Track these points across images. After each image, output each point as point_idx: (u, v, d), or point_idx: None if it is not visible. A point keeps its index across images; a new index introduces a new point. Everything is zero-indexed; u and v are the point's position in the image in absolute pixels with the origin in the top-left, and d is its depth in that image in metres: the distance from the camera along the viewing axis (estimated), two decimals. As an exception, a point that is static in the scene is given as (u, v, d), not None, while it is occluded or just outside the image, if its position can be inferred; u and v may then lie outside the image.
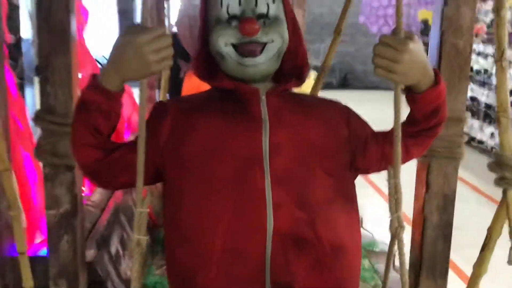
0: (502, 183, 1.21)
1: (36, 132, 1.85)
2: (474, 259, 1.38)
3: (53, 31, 1.44)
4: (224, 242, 1.04)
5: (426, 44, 1.32)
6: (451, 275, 1.69)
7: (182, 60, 2.86)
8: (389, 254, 1.10)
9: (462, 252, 2.56)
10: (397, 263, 2.12)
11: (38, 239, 2.06)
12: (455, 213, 1.56)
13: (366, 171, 1.24)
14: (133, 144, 1.09)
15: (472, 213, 4.07)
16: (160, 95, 2.65)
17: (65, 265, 1.53)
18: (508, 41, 1.18)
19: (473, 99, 6.58)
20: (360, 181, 1.24)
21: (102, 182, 1.19)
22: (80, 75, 1.56)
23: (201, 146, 1.09)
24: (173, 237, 1.12)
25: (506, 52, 1.06)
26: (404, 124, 1.12)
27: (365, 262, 2.60)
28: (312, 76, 1.89)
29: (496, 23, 1.09)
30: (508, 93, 1.23)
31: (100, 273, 1.83)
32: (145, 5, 1.03)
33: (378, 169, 1.24)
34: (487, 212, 4.86)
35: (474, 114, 6.45)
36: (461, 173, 1.60)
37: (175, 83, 3.24)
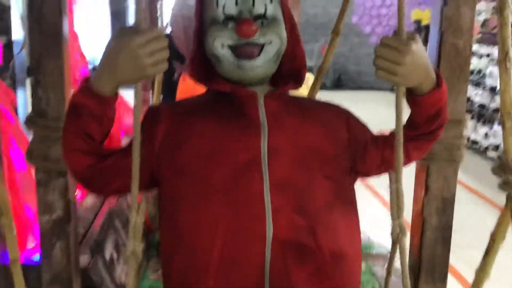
0: (506, 187, 1.19)
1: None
2: (470, 261, 1.37)
3: (45, 32, 1.40)
4: (222, 250, 1.01)
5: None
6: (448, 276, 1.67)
7: (176, 61, 2.82)
8: (390, 261, 1.07)
9: (458, 253, 2.56)
10: (395, 266, 2.09)
11: (30, 245, 2.02)
12: (451, 214, 1.54)
13: (366, 175, 1.22)
14: (126, 149, 1.06)
15: (468, 214, 4.07)
16: (154, 98, 2.62)
17: (59, 272, 1.49)
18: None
19: (466, 99, 6.58)
20: (356, 182, 1.21)
21: (94, 188, 1.15)
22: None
23: (197, 151, 1.06)
24: (169, 245, 1.09)
25: (510, 52, 1.04)
26: (405, 127, 1.10)
27: (362, 265, 2.58)
28: (310, 80, 1.86)
29: (500, 23, 1.06)
30: (512, 95, 1.21)
31: (94, 279, 1.80)
32: (140, 5, 0.99)
33: (378, 173, 1.22)
34: (483, 213, 4.86)
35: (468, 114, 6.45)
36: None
37: (169, 85, 3.21)
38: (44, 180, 1.43)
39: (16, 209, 1.93)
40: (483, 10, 6.94)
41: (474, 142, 6.36)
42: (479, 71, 6.51)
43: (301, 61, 1.18)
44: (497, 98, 6.02)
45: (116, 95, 1.03)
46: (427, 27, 9.77)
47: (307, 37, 9.98)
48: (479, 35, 6.58)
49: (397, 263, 1.96)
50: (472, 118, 6.48)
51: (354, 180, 1.19)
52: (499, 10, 1.06)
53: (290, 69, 1.17)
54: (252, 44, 1.07)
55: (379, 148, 1.19)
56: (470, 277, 2.96)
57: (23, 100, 4.20)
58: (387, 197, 4.37)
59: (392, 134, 1.21)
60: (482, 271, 1.17)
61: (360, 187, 1.21)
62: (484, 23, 7.16)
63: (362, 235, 1.15)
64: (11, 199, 1.87)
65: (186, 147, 1.07)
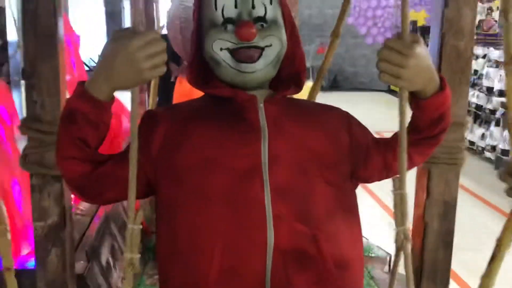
0: (513, 193, 1.16)
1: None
2: (469, 262, 1.35)
3: (40, 34, 1.37)
4: (221, 260, 0.98)
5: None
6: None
7: (173, 63, 2.80)
8: (394, 268, 1.05)
9: (457, 255, 2.54)
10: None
11: (25, 250, 1.99)
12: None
13: (367, 180, 1.20)
14: (122, 156, 1.03)
15: (464, 215, 4.05)
16: (150, 100, 2.59)
17: (54, 279, 1.46)
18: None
19: (463, 100, 6.58)
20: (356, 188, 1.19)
21: (89, 197, 1.11)
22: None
23: (196, 157, 1.03)
24: (167, 255, 1.06)
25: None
26: (407, 131, 1.08)
27: (361, 268, 2.56)
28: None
29: (505, 26, 1.04)
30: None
31: (90, 285, 1.77)
32: (137, 7, 0.97)
33: (380, 178, 1.20)
34: (480, 214, 4.83)
35: (464, 115, 6.45)
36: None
37: (166, 87, 3.18)
38: (39, 186, 1.40)
39: (11, 214, 1.90)
40: (478, 11, 6.94)
41: (471, 143, 6.35)
42: (475, 72, 6.51)
43: (300, 64, 1.16)
44: (494, 99, 6.03)
45: (112, 99, 1.00)
46: (422, 28, 9.79)
47: (302, 39, 9.95)
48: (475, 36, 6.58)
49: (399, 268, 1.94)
50: (468, 119, 6.48)
51: (355, 186, 1.17)
52: (504, 13, 1.04)
53: (289, 72, 1.15)
54: (252, 47, 1.05)
55: (380, 152, 1.17)
56: (468, 280, 2.94)
57: (19, 103, 4.16)
58: (383, 198, 4.36)
59: (394, 138, 1.18)
60: (488, 277, 1.14)
61: (359, 189, 1.19)
62: (479, 24, 7.16)
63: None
64: (6, 205, 1.84)
65: (183, 153, 1.04)
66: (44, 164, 1.35)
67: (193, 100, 1.18)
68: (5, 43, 4.26)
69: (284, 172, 1.03)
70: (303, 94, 1.29)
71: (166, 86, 3.23)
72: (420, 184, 1.51)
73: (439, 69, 1.41)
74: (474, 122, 6.46)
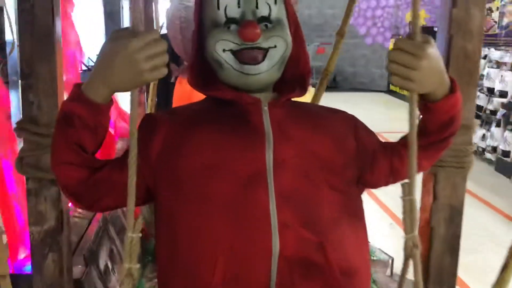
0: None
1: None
2: (469, 264, 1.32)
3: (36, 35, 1.34)
4: (224, 270, 0.94)
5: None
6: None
7: (172, 63, 2.76)
8: (402, 277, 1.01)
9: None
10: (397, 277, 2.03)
11: (22, 255, 1.95)
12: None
13: (374, 185, 1.16)
14: (120, 161, 0.99)
15: (465, 217, 4.02)
16: (149, 100, 2.55)
17: (51, 285, 1.42)
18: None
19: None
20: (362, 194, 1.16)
21: (85, 203, 1.06)
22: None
23: (198, 163, 0.99)
24: (167, 265, 1.02)
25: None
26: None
27: (363, 271, 2.53)
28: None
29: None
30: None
31: (88, 290, 1.73)
32: (136, 6, 0.92)
33: (386, 184, 1.17)
34: (480, 216, 4.79)
35: (465, 116, 6.43)
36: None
37: (165, 88, 3.14)
38: (35, 190, 1.36)
39: (8, 218, 1.86)
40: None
41: (471, 144, 6.32)
42: (476, 73, 6.47)
43: (305, 66, 1.13)
44: (494, 100, 6.00)
45: (110, 102, 0.96)
46: (422, 28, 9.75)
47: (302, 38, 9.95)
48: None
49: (400, 271, 1.90)
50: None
51: (361, 192, 1.14)
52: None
53: (293, 74, 1.11)
54: (256, 48, 1.01)
55: (387, 157, 1.14)
56: (467, 281, 2.91)
57: (16, 104, 4.11)
58: (382, 198, 4.31)
59: (401, 143, 1.15)
60: (499, 285, 1.11)
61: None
62: (480, 25, 7.12)
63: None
64: (3, 208, 1.80)
65: (184, 159, 1.00)
66: (41, 167, 1.32)
67: (193, 103, 1.15)
68: (4, 43, 4.22)
69: (289, 178, 0.99)
70: (305, 97, 1.25)
71: (165, 87, 3.19)
72: (426, 188, 1.48)
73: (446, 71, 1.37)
74: (475, 123, 6.42)
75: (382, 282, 2.51)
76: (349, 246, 1.02)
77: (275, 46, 1.03)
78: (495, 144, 5.86)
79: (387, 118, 8.53)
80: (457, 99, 1.03)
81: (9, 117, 2.22)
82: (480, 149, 6.16)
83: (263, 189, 0.97)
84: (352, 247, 1.02)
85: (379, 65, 12.04)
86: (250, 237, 0.95)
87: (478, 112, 6.44)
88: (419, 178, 1.47)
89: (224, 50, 1.02)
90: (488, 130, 6.10)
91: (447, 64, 1.36)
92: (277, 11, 1.05)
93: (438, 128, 1.06)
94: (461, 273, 2.86)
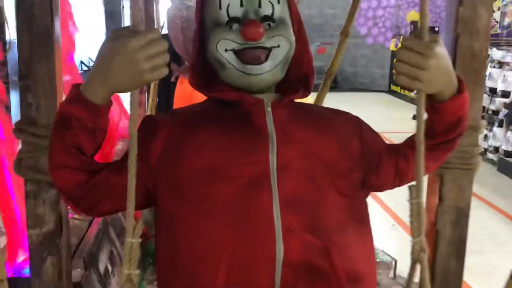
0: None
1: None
2: (471, 265, 1.30)
3: (35, 35, 1.31)
4: (227, 277, 0.92)
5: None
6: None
7: (173, 63, 2.74)
8: (409, 282, 0.99)
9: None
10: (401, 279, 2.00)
11: (21, 257, 1.93)
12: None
13: (379, 189, 1.14)
14: (119, 164, 0.96)
15: (467, 217, 4.00)
16: (149, 100, 2.53)
17: (49, 289, 1.40)
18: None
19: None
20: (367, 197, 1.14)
21: (84, 207, 1.03)
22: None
23: (198, 164, 0.96)
24: (167, 271, 0.99)
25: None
26: None
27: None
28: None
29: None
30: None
31: (87, 294, 1.71)
32: (136, 5, 0.90)
33: (392, 187, 1.14)
34: (483, 216, 4.76)
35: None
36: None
37: (166, 88, 3.12)
38: (33, 192, 1.34)
39: (8, 220, 1.84)
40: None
41: (473, 144, 6.29)
42: (478, 73, 6.45)
43: (308, 66, 1.10)
44: (497, 100, 5.97)
45: (109, 103, 0.93)
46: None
47: (303, 38, 9.94)
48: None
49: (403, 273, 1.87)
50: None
51: (366, 195, 1.11)
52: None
53: (297, 74, 1.09)
54: (259, 47, 0.99)
55: (392, 159, 1.11)
56: (470, 282, 2.88)
57: (16, 104, 4.09)
58: (383, 199, 4.28)
59: (406, 144, 1.13)
60: (509, 289, 1.09)
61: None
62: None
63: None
64: (3, 209, 1.78)
65: (185, 162, 0.97)
66: (39, 169, 1.29)
67: (195, 104, 1.12)
68: (4, 43, 4.20)
69: (293, 180, 0.97)
70: (307, 98, 1.23)
71: (166, 87, 3.17)
72: (432, 190, 1.45)
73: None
74: (476, 123, 6.40)
75: (385, 284, 2.47)
76: (355, 251, 0.99)
77: (278, 46, 1.01)
78: (497, 145, 5.83)
79: (388, 118, 8.51)
80: (465, 100, 1.00)
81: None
82: (482, 150, 6.14)
83: (267, 192, 0.94)
84: (358, 252, 1.00)
85: (380, 65, 12.02)
86: (253, 241, 0.93)
87: (480, 112, 6.42)
88: (424, 180, 1.45)
89: (226, 50, 1.00)
90: (491, 130, 6.07)
91: (453, 63, 1.33)
92: (280, 10, 1.03)
93: (445, 129, 1.04)
94: (464, 274, 2.84)
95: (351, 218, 1.00)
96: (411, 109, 8.70)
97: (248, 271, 0.92)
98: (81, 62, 6.86)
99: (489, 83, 6.20)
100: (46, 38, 1.31)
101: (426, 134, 1.04)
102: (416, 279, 0.98)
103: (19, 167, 1.33)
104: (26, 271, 1.82)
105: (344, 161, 1.02)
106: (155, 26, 2.63)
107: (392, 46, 11.11)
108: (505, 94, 5.86)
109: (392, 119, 8.41)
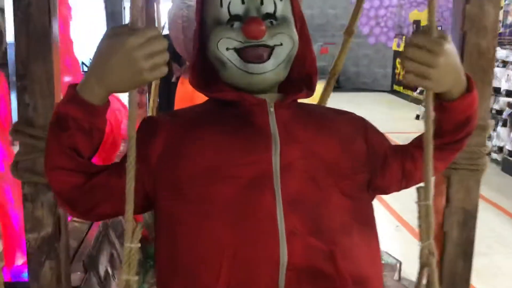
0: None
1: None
2: (477, 266, 1.28)
3: (32, 34, 1.29)
4: (229, 277, 0.89)
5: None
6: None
7: (174, 63, 2.72)
8: (419, 286, 0.96)
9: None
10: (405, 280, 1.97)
11: (19, 261, 1.90)
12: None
13: (385, 191, 1.11)
14: (118, 166, 0.93)
15: (472, 218, 3.97)
16: (150, 101, 2.50)
17: (48, 293, 1.37)
18: None
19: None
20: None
21: (81, 211, 1.00)
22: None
23: (200, 167, 0.94)
24: (167, 271, 0.97)
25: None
26: None
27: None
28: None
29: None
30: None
31: (87, 298, 1.68)
32: (135, 2, 0.87)
33: (398, 189, 1.12)
34: (487, 217, 4.72)
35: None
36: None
37: (167, 89, 3.09)
38: (31, 195, 1.31)
39: (5, 223, 1.82)
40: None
41: (476, 144, 6.26)
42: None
43: (312, 65, 1.08)
44: (501, 99, 5.93)
45: (107, 103, 0.90)
46: (423, 27, 9.68)
47: (305, 38, 9.92)
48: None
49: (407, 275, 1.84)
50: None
51: (372, 198, 1.08)
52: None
53: (300, 73, 1.06)
54: (261, 46, 0.96)
55: (398, 160, 1.08)
56: (476, 284, 2.85)
57: (16, 105, 4.07)
58: (390, 202, 4.24)
59: (412, 145, 1.10)
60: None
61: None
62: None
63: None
64: (0, 212, 1.75)
65: (186, 162, 0.95)
66: (37, 171, 1.26)
67: (196, 105, 1.10)
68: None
69: (297, 182, 0.94)
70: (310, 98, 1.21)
71: (167, 88, 3.14)
72: (439, 191, 1.42)
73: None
74: (479, 122, 6.36)
75: (390, 286, 2.45)
76: (360, 254, 0.96)
77: (281, 44, 0.98)
78: (501, 144, 5.79)
79: (390, 118, 8.48)
80: (474, 98, 0.98)
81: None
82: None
83: (269, 194, 0.92)
84: (363, 255, 0.97)
85: (382, 65, 11.99)
86: (254, 241, 0.90)
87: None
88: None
89: (227, 49, 0.97)
90: (494, 130, 6.03)
91: (460, 61, 1.31)
92: (283, 8, 1.00)
93: (453, 128, 1.01)
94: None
95: (355, 219, 0.97)
96: (414, 109, 8.67)
97: (250, 271, 0.90)
98: (82, 63, 6.84)
99: (492, 83, 6.17)
100: (44, 38, 1.29)
101: (434, 134, 1.02)
102: (422, 281, 0.96)
103: (16, 169, 1.30)
104: (25, 275, 1.80)
105: (347, 161, 1.00)
106: (156, 25, 2.61)
107: (394, 46, 11.10)
108: (509, 94, 5.82)
109: (394, 119, 8.38)
